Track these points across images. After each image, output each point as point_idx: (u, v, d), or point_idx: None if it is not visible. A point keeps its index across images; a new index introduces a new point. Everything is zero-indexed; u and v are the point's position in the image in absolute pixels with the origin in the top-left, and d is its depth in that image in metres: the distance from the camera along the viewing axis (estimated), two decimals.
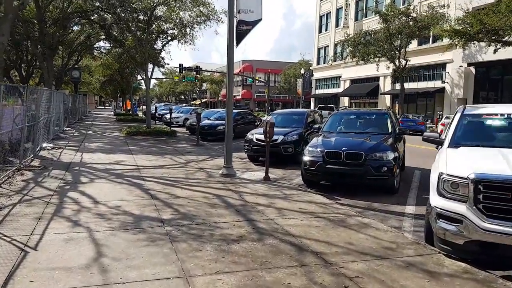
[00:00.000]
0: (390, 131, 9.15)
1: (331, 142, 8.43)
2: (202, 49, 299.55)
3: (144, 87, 34.00)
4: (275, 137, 11.64)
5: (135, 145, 15.21)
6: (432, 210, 4.93)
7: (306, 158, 8.25)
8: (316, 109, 39.41)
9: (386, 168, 7.76)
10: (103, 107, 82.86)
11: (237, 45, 9.02)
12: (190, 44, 21.55)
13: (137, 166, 10.21)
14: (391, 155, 7.93)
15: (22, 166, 8.95)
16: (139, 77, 37.21)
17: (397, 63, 34.10)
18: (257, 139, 11.79)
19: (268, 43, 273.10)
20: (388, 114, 9.83)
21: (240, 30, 8.72)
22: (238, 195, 7.26)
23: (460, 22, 23.64)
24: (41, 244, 4.41)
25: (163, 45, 21.54)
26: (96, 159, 11.04)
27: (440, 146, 6.23)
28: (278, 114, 13.83)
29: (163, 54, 24.84)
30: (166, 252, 4.36)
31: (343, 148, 7.93)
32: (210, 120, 20.36)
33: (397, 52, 33.54)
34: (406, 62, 33.18)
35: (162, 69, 36.42)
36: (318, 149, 8.16)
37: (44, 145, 12.60)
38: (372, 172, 7.74)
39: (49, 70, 21.75)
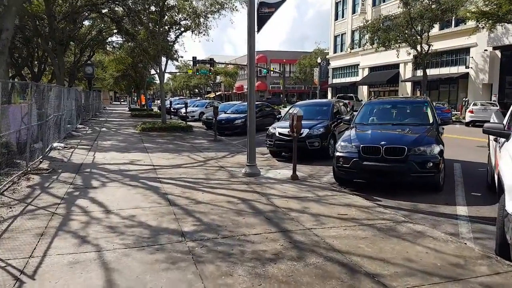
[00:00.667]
0: (431, 121, 8.17)
1: (368, 135, 7.51)
2: (215, 41, 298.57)
3: (158, 82, 33.37)
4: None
5: (151, 142, 14.54)
6: (510, 218, 4.02)
7: (339, 154, 7.36)
8: (336, 98, 38.20)
9: (431, 164, 6.83)
10: (119, 103, 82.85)
11: (258, 30, 8.14)
12: (204, 34, 20.69)
13: (153, 165, 9.49)
14: (436, 149, 6.99)
15: (29, 169, 8.32)
16: (152, 72, 36.67)
17: (419, 48, 32.60)
18: (280, 133, 10.94)
19: (280, 34, 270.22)
20: (428, 102, 8.84)
21: (261, 14, 7.83)
22: (266, 199, 6.44)
23: (487, 3, 22.18)
24: (41, 271, 3.67)
25: (176, 37, 20.73)
26: (109, 159, 10.37)
27: (505, 140, 5.28)
28: (301, 106, 12.90)
29: (176, 46, 24.16)
30: (190, 278, 3.58)
31: (382, 142, 7.00)
32: (227, 113, 19.56)
33: (418, 37, 32.05)
34: (429, 47, 31.66)
35: (176, 63, 35.80)
36: (353, 144, 7.26)
37: (55, 144, 12.01)
38: (415, 169, 6.83)
39: (60, 67, 21.23)
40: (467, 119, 22.59)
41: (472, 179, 8.38)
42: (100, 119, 28.33)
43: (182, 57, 34.57)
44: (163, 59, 21.89)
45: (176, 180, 7.82)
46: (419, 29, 32.12)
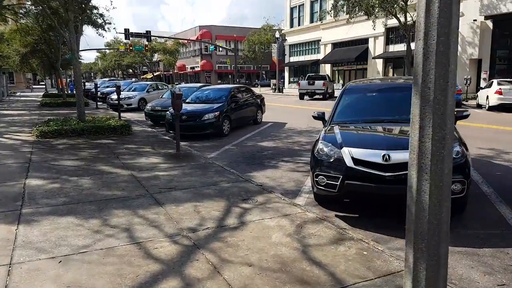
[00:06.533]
0: None
1: None
2: (147, 19, 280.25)
3: (81, 61, 24.42)
4: (397, 155, 4.40)
5: (46, 170, 7.17)
6: None
7: None
8: (305, 79, 32.11)
9: None
10: (31, 88, 68.23)
11: None
12: None
13: None
14: None
15: None
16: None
17: (402, 18, 27.64)
18: (358, 162, 4.43)
19: (220, 12, 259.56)
20: None
21: None
22: None
23: None
24: None
25: None
26: None
27: None
28: (366, 90, 6.30)
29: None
30: None
31: None
32: (187, 103, 12.36)
33: (403, 3, 27.06)
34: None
35: (104, 34, 27.17)
36: None
37: None
38: None
39: None
40: (493, 102, 17.79)
41: None
42: None
43: (109, 22, 24.57)
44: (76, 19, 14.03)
45: None
46: None
